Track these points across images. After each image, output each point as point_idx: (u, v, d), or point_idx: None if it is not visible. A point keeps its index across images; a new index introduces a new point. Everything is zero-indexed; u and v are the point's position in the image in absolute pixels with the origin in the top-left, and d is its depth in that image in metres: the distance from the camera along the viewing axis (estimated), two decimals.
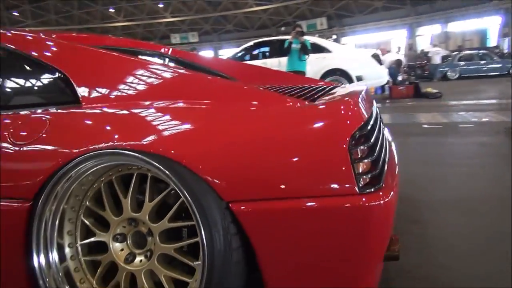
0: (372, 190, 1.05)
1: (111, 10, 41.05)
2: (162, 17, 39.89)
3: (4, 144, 1.25)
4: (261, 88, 1.37)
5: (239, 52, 8.75)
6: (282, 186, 1.05)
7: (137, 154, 1.09)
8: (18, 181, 1.22)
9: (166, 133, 1.15)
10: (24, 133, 1.26)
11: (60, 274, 1.20)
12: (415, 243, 1.86)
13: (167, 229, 1.16)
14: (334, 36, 27.75)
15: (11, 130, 1.28)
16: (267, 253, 1.07)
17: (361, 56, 8.33)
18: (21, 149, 1.24)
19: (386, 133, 1.91)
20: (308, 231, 1.06)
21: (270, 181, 1.06)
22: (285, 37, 7.52)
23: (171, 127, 1.17)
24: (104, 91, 1.33)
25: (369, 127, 1.18)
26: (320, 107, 1.17)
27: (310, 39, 7.99)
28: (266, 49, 8.64)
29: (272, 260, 1.08)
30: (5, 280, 1.25)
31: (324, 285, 1.10)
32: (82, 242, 1.26)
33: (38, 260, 1.18)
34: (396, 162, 1.61)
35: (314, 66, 7.60)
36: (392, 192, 1.11)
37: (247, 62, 8.25)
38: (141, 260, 1.21)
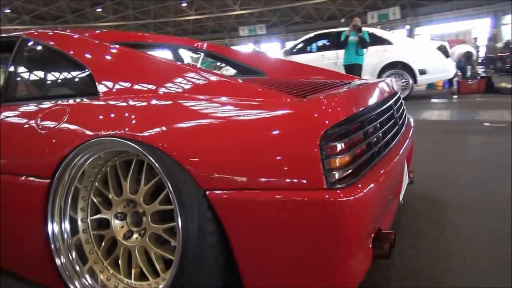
0: (344, 185, 1.07)
1: (184, 4, 42.72)
2: (231, 10, 40.67)
3: (32, 130, 1.46)
4: (259, 85, 1.42)
5: (298, 43, 8.71)
6: (254, 178, 1.11)
7: (129, 142, 1.21)
8: (39, 161, 1.41)
9: (155, 125, 1.26)
10: (48, 121, 1.45)
11: (70, 242, 1.38)
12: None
13: (158, 211, 1.28)
14: (408, 27, 26.25)
15: (40, 117, 1.49)
16: (239, 240, 1.14)
17: (425, 48, 7.88)
18: (44, 132, 1.43)
19: (406, 126, 1.87)
20: (277, 223, 1.10)
21: (243, 173, 1.12)
22: (344, 29, 7.37)
23: (160, 120, 1.27)
24: (118, 86, 1.48)
25: (355, 122, 1.19)
26: (300, 103, 1.20)
27: (370, 30, 7.72)
28: (325, 41, 8.51)
29: (244, 248, 1.14)
30: (26, 246, 1.48)
31: (297, 277, 1.14)
32: (92, 218, 1.43)
33: (52, 227, 1.37)
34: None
35: (374, 59, 7.34)
36: (370, 188, 1.11)
37: (306, 54, 8.18)
38: (136, 238, 1.34)
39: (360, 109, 1.27)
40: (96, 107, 1.43)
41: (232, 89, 1.30)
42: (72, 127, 1.40)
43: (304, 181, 1.07)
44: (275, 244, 1.13)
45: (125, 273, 1.36)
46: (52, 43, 1.68)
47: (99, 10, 41.78)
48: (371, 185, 1.13)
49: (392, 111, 1.64)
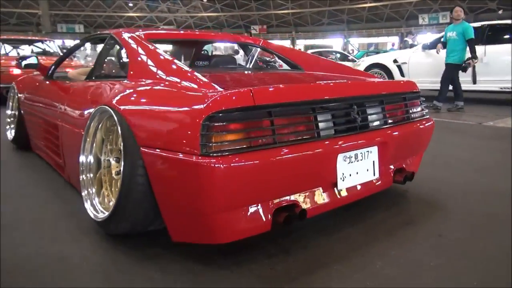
0: (213, 156, 1.40)
1: None
2: None
3: (84, 98, 2.20)
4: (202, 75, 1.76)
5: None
6: (164, 142, 1.53)
7: (107, 108, 1.80)
8: (80, 115, 2.14)
9: (122, 99, 1.81)
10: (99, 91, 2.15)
11: (91, 175, 2.04)
12: None
13: None
14: None
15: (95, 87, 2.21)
16: (155, 182, 1.55)
17: None
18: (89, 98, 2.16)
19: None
20: (173, 174, 1.48)
21: (158, 138, 1.55)
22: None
23: (127, 97, 1.81)
24: (133, 74, 2.06)
25: (245, 112, 1.43)
26: (207, 93, 1.54)
27: None
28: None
29: (157, 187, 1.55)
30: (68, 169, 2.24)
31: (185, 214, 1.54)
32: (106, 158, 2.07)
33: (85, 159, 2.04)
34: None
35: None
36: (234, 163, 1.36)
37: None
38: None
39: (262, 103, 1.46)
40: (119, 85, 2.06)
41: (181, 77, 1.74)
42: (98, 97, 2.07)
43: (189, 148, 1.44)
44: (172, 188, 1.53)
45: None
46: (119, 40, 2.38)
47: None
48: (237, 162, 1.37)
49: (327, 111, 1.72)
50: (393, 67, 7.79)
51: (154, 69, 1.96)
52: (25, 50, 7.68)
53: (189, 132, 1.45)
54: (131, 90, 1.87)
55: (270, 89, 1.67)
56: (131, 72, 2.05)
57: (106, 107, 1.81)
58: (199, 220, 1.53)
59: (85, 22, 46.09)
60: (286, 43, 46.66)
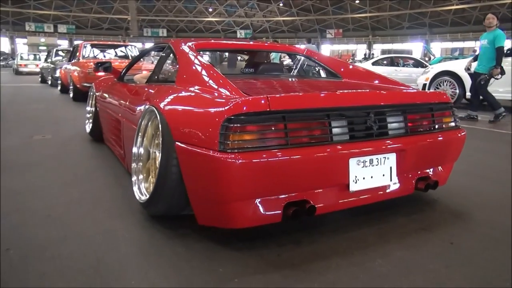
0: (229, 153, 1.64)
1: None
2: None
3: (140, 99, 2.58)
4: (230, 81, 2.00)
5: None
6: (193, 139, 1.80)
7: (153, 108, 2.12)
8: (136, 113, 2.51)
9: (165, 100, 2.11)
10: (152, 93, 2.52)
11: (140, 164, 2.38)
12: None
13: None
14: None
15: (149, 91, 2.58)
16: (185, 172, 1.84)
17: None
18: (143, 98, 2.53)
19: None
20: (199, 166, 1.74)
21: (188, 134, 1.84)
22: None
23: (169, 99, 2.12)
24: (179, 79, 2.38)
25: (262, 116, 1.64)
26: (229, 97, 1.78)
27: None
28: None
29: (186, 176, 1.84)
30: (127, 159, 2.61)
31: (208, 201, 1.80)
32: (154, 151, 2.41)
33: (137, 150, 2.39)
34: None
35: None
36: (246, 160, 1.58)
37: None
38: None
39: (277, 108, 1.66)
40: (165, 88, 2.40)
41: (216, 83, 2.01)
42: (151, 98, 2.42)
43: (210, 145, 1.69)
44: (196, 177, 1.80)
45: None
46: (173, 49, 2.72)
47: (357, 2, 43.54)
48: (249, 159, 1.59)
49: (343, 118, 1.86)
50: (465, 75, 7.41)
51: (196, 76, 2.26)
52: (110, 53, 8.60)
53: (211, 131, 1.71)
54: (174, 94, 2.19)
55: (285, 96, 1.86)
56: (179, 78, 2.37)
57: (153, 107, 2.15)
58: (217, 207, 1.78)
59: (168, 27, 49.23)
60: (362, 47, 45.53)
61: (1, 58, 34.47)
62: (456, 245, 1.86)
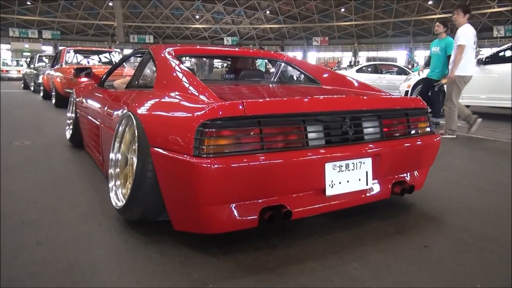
0: (203, 157, 1.64)
1: (430, 2, 40.31)
2: (487, 7, 35.91)
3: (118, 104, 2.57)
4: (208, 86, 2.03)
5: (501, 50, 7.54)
6: (167, 143, 1.79)
7: (130, 113, 2.12)
8: (113, 119, 2.50)
9: (143, 106, 2.11)
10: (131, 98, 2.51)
11: (118, 170, 2.37)
12: None
13: None
14: None
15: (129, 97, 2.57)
16: (160, 176, 1.82)
17: None
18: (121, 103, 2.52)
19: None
20: (174, 170, 1.75)
21: (163, 139, 1.83)
22: None
23: (146, 104, 2.12)
24: (160, 84, 2.38)
25: (236, 121, 1.65)
26: (205, 102, 1.79)
27: None
28: None
29: (161, 180, 1.82)
30: (106, 165, 2.60)
31: (182, 205, 1.79)
32: (131, 156, 2.40)
33: (114, 156, 2.37)
34: None
35: None
36: (219, 165, 1.58)
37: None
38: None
39: (252, 113, 1.68)
40: (142, 93, 2.39)
41: (194, 89, 2.01)
42: (128, 104, 2.41)
43: (185, 150, 1.68)
44: (171, 182, 1.80)
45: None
46: (153, 55, 2.71)
47: (343, 10, 44.18)
48: (224, 163, 1.60)
49: (318, 123, 1.88)
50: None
51: (174, 82, 2.26)
52: (94, 59, 8.54)
53: (186, 136, 1.72)
54: (151, 99, 2.19)
55: (260, 101, 1.88)
56: (157, 84, 2.37)
57: (130, 112, 2.14)
58: (192, 212, 1.78)
59: (155, 33, 49.12)
60: (348, 55, 46.12)
61: None
62: (429, 249, 1.89)
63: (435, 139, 2.33)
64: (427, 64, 6.48)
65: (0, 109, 7.06)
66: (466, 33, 4.81)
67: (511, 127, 5.70)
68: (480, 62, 7.19)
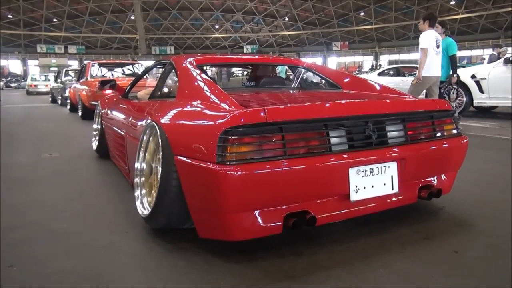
0: (227, 164, 1.65)
1: (452, 2, 39.56)
2: (508, 6, 34.91)
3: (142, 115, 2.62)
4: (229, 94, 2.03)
5: None
6: (190, 152, 1.81)
7: (154, 123, 2.15)
8: (138, 129, 2.54)
9: (166, 115, 2.14)
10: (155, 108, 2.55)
11: (143, 179, 2.40)
12: None
13: None
14: None
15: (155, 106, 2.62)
16: (184, 183, 1.84)
17: None
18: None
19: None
20: (198, 178, 1.76)
21: (187, 148, 1.85)
22: None
23: (169, 114, 2.15)
24: (182, 94, 2.41)
25: (257, 128, 1.66)
26: (227, 110, 1.80)
27: None
28: None
29: (186, 187, 1.84)
30: (132, 175, 2.64)
31: (206, 211, 1.80)
32: (155, 165, 2.43)
33: (139, 165, 2.42)
34: None
35: None
36: (243, 172, 1.59)
37: None
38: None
39: (274, 120, 1.68)
40: (166, 103, 2.43)
41: (216, 97, 2.03)
42: (152, 114, 2.45)
43: (209, 157, 1.70)
44: (196, 190, 1.81)
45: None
46: (175, 65, 2.75)
47: (362, 14, 43.86)
48: (247, 170, 1.60)
49: (341, 128, 1.86)
50: (471, 83, 7.38)
51: (196, 91, 2.29)
52: (118, 72, 8.75)
53: (209, 144, 1.73)
54: (174, 109, 2.22)
55: (281, 107, 1.88)
56: (179, 94, 2.40)
57: (153, 122, 2.18)
58: (217, 219, 1.78)
59: (176, 44, 50.00)
60: (369, 59, 45.63)
61: (13, 80, 35.31)
62: (459, 255, 1.83)
63: (462, 141, 2.26)
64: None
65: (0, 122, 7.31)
66: (427, 38, 5.10)
67: (511, 125, 5.48)
68: (508, 62, 7.00)
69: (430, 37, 5.11)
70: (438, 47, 5.20)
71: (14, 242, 2.01)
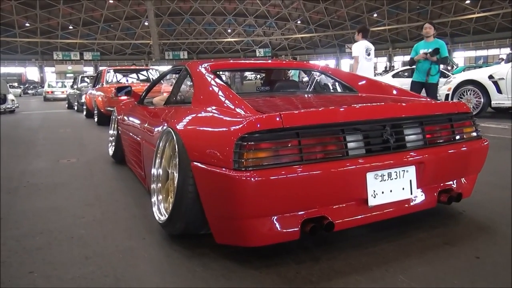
0: (243, 170, 1.64)
1: (467, 1, 38.96)
2: None
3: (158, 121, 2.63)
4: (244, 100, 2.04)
5: None
6: (207, 158, 1.82)
7: (170, 129, 2.16)
8: (154, 135, 2.55)
9: (182, 121, 2.15)
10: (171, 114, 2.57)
11: (159, 185, 2.41)
12: None
13: None
14: None
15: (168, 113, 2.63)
16: (201, 189, 1.83)
17: None
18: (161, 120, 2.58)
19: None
20: (215, 183, 1.76)
21: (202, 154, 1.85)
22: None
23: (185, 120, 2.16)
24: (197, 100, 2.42)
25: (273, 134, 1.65)
26: (242, 115, 1.79)
27: None
28: None
29: (203, 193, 1.83)
30: (148, 180, 2.65)
31: (223, 218, 1.80)
32: (172, 171, 2.44)
33: (156, 171, 2.43)
34: None
35: None
36: (260, 177, 1.58)
37: None
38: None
39: (290, 125, 1.67)
40: (181, 109, 2.45)
41: (231, 103, 2.02)
42: (168, 120, 2.46)
43: (225, 163, 1.70)
44: (213, 196, 1.81)
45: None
46: (189, 71, 2.77)
47: (375, 15, 43.51)
48: (264, 176, 1.59)
49: (357, 133, 1.85)
50: (489, 83, 7.25)
51: (211, 97, 2.30)
52: (133, 77, 8.86)
53: (225, 150, 1.73)
54: (190, 115, 2.23)
55: (298, 112, 1.87)
56: (195, 99, 2.42)
57: (169, 128, 2.19)
58: (234, 225, 1.78)
59: (189, 49, 50.42)
60: (382, 60, 45.21)
61: (31, 86, 36.13)
62: (482, 260, 1.79)
63: (482, 144, 2.22)
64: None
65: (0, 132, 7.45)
66: (359, 47, 5.92)
67: (511, 124, 5.37)
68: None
69: (361, 47, 5.90)
70: (369, 54, 5.97)
71: (34, 248, 2.04)
